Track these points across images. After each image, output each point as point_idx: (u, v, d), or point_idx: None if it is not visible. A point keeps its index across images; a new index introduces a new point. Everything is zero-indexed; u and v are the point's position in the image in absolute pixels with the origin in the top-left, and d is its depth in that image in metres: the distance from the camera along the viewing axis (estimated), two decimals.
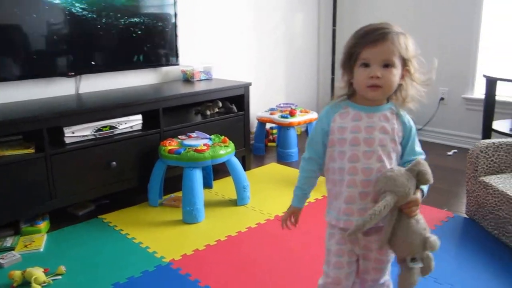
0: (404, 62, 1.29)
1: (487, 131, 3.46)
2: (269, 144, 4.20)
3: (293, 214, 1.52)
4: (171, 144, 2.84)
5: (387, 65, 1.26)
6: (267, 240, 2.46)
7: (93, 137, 2.74)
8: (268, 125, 4.09)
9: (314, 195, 3.01)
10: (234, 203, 2.93)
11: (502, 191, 2.33)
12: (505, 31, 3.79)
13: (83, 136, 2.70)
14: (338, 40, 4.64)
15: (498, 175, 2.51)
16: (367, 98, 1.31)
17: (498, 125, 3.46)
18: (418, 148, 1.40)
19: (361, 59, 1.28)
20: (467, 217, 2.66)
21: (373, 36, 1.26)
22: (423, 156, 1.39)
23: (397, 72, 1.27)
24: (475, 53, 3.89)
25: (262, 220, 2.70)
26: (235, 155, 2.93)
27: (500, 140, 2.62)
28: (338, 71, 4.87)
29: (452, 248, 2.36)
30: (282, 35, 4.42)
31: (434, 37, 4.05)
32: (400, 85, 1.32)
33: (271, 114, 3.92)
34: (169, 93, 3.12)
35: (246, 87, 3.47)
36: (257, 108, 4.07)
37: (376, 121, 1.33)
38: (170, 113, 3.20)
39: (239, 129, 3.46)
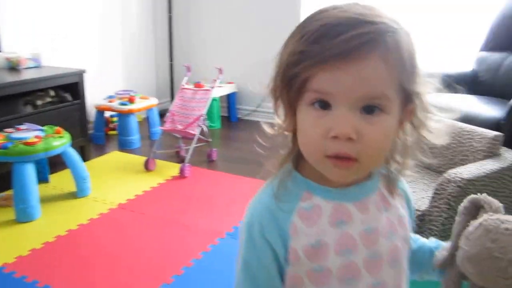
0: (407, 95, 0.63)
1: None
2: (110, 132, 4.09)
3: None
4: None
5: (372, 108, 0.59)
6: (111, 230, 2.45)
7: None
8: (107, 113, 3.98)
9: (141, 187, 3.06)
10: (74, 195, 2.82)
11: None
12: None
13: None
14: (175, 24, 4.67)
15: None
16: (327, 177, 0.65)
17: None
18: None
19: (312, 91, 0.60)
20: None
21: (341, 44, 0.57)
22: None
23: (392, 121, 0.62)
24: None
25: (105, 210, 2.66)
26: (72, 146, 2.81)
27: None
28: (179, 57, 4.89)
29: None
30: (116, 20, 4.29)
31: (263, 27, 4.32)
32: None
33: (110, 101, 3.82)
34: None
35: (80, 74, 3.33)
36: (95, 96, 3.92)
37: (375, 213, 0.68)
38: None
39: (75, 119, 3.31)
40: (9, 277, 2.02)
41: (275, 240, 0.66)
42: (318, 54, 0.58)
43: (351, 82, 0.58)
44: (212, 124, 4.03)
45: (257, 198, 0.70)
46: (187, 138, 3.32)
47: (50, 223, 2.51)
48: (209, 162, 3.41)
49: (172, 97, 4.70)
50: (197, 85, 3.63)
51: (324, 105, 0.60)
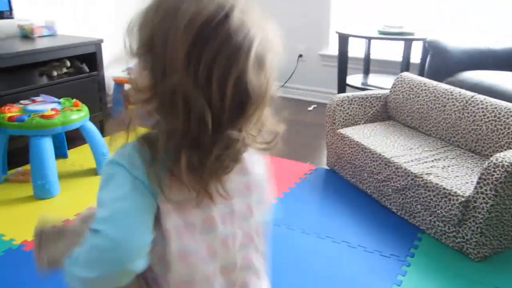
0: None
1: (342, 86, 3.66)
2: (130, 107, 3.92)
3: None
4: (11, 111, 2.46)
5: None
6: None
7: None
8: (127, 86, 3.81)
9: None
10: (94, 172, 2.68)
11: (357, 142, 2.48)
12: None
13: None
14: None
15: (353, 127, 2.66)
16: None
17: (351, 79, 3.68)
18: None
19: None
20: (328, 168, 2.79)
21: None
22: None
23: None
24: (328, 11, 4.04)
25: None
26: (90, 120, 2.65)
27: (353, 93, 2.77)
28: None
29: (316, 199, 2.48)
30: None
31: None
32: None
33: (129, 74, 3.64)
34: (3, 51, 2.68)
35: (98, 44, 3.15)
36: (114, 68, 3.74)
37: None
38: (8, 75, 2.76)
39: (93, 91, 3.15)
40: (30, 255, 1.89)
41: None
42: None
43: None
44: None
45: None
46: None
47: (70, 200, 2.38)
48: None
49: None
50: None
51: None
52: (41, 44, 2.95)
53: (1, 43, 2.93)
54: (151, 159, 0.68)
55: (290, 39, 4.19)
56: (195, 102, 0.64)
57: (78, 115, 2.53)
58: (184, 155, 0.66)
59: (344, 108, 2.68)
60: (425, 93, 2.57)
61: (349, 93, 2.77)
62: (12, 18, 3.02)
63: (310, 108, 4.02)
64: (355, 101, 2.72)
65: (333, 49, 4.07)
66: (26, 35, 3.14)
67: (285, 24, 3.85)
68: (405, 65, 3.33)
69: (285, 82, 4.32)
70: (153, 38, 0.66)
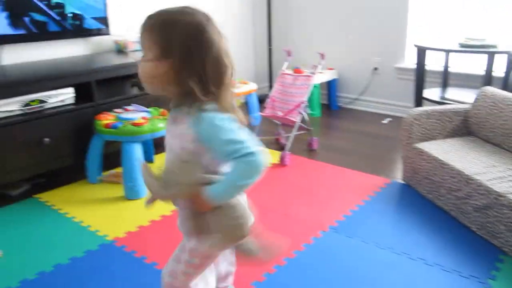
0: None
1: (419, 99, 3.62)
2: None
3: None
4: (106, 118, 2.70)
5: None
6: None
7: (21, 112, 2.54)
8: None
9: None
10: None
11: (435, 157, 2.45)
12: (432, 1, 3.93)
13: (10, 111, 2.49)
14: (274, 6, 4.60)
15: (430, 142, 2.64)
16: None
17: (429, 93, 3.62)
18: None
19: None
20: (404, 182, 2.78)
21: None
22: None
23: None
24: (404, 24, 4.01)
25: None
26: None
27: (431, 107, 2.74)
28: (278, 42, 4.86)
29: (390, 213, 2.47)
30: (218, 2, 4.29)
31: (366, 10, 4.13)
32: None
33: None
34: (101, 65, 2.95)
35: None
36: None
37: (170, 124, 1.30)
38: (104, 86, 3.03)
39: None
40: (121, 251, 2.10)
41: None
42: None
43: None
44: (312, 112, 3.92)
45: None
46: (287, 125, 3.24)
47: (156, 202, 2.55)
48: (309, 151, 3.30)
49: (271, 82, 4.65)
50: (296, 70, 3.53)
51: None
52: (133, 57, 3.20)
53: (100, 57, 3.23)
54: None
55: (365, 52, 4.21)
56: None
57: (165, 124, 2.72)
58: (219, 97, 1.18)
59: (421, 122, 2.66)
60: (510, 108, 2.50)
61: (427, 107, 2.75)
62: (108, 34, 3.32)
63: (384, 121, 3.99)
64: (433, 115, 2.69)
65: (408, 62, 4.03)
66: (120, 49, 3.42)
67: (360, 38, 3.91)
68: (487, 79, 3.23)
69: (359, 95, 4.33)
70: (170, 42, 1.14)
